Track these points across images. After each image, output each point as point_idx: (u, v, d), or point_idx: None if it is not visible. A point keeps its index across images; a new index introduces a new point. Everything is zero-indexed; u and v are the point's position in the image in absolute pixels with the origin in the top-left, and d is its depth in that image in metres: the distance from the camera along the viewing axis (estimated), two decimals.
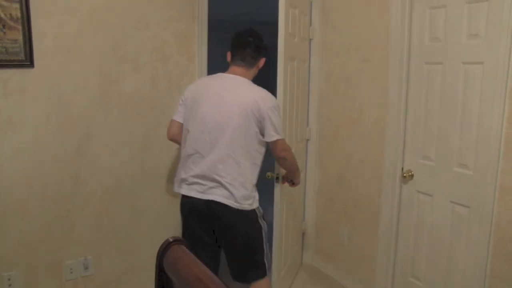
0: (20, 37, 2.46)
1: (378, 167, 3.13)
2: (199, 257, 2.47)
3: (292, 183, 2.85)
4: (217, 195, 2.35)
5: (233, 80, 2.43)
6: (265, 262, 2.50)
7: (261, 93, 2.39)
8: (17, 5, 2.42)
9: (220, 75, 2.48)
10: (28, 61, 2.50)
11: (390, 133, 3.02)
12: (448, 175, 2.74)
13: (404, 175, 2.98)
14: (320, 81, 3.58)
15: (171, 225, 3.04)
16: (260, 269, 2.50)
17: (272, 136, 2.38)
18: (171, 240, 1.56)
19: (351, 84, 3.27)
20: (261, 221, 2.48)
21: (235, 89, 2.39)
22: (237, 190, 2.34)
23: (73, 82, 2.64)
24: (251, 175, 2.39)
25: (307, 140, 3.69)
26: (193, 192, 2.40)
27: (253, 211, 2.42)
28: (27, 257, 2.64)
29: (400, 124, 2.98)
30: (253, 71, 2.49)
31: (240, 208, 2.37)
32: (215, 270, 2.63)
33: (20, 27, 2.45)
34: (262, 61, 2.50)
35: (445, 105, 2.73)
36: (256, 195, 2.44)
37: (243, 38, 2.47)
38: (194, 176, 2.38)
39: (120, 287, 2.96)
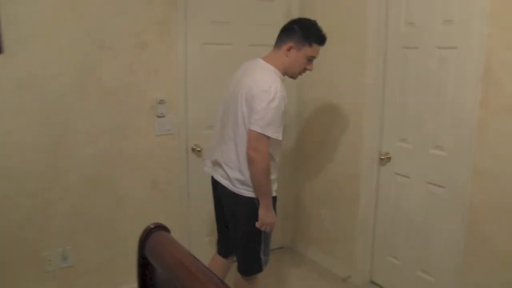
0: None
1: (357, 150, 3.17)
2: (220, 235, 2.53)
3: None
4: (218, 175, 2.43)
5: (253, 64, 2.38)
6: (261, 257, 2.40)
7: (262, 76, 2.25)
8: None
9: (252, 61, 2.43)
10: None
11: (368, 117, 3.07)
12: (424, 157, 2.80)
13: (382, 157, 3.04)
14: None
15: (153, 213, 3.04)
16: (251, 267, 2.44)
17: (250, 123, 2.19)
18: (152, 226, 1.58)
19: (330, 70, 3.29)
20: None
21: (250, 73, 2.32)
22: (232, 172, 2.33)
23: (48, 70, 2.59)
24: None
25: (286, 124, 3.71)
26: (209, 169, 2.53)
27: (253, 200, 2.32)
28: (4, 249, 2.60)
29: (378, 108, 3.03)
30: (280, 55, 2.33)
31: (236, 192, 2.33)
32: (225, 253, 2.65)
33: None
34: (289, 46, 2.31)
35: (421, 89, 2.78)
36: None
37: (286, 24, 2.41)
38: (211, 156, 2.50)
39: (101, 277, 2.95)
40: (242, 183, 2.32)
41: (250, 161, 2.22)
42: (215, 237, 3.41)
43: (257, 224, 2.31)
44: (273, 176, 2.35)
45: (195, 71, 3.12)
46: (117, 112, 2.84)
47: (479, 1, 2.36)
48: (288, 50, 2.32)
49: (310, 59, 2.36)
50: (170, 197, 3.13)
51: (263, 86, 2.19)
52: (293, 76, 2.42)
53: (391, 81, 2.97)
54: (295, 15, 3.48)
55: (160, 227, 1.58)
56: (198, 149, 3.19)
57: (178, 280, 1.31)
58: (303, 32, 2.31)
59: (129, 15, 2.79)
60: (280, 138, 2.21)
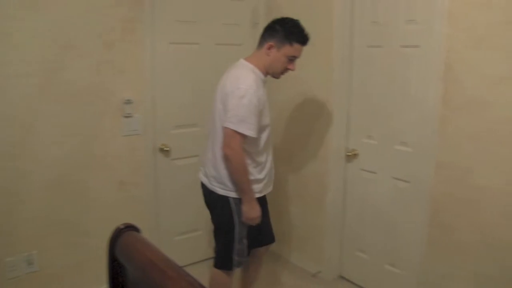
0: None
1: (324, 147, 3.22)
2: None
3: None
4: (201, 173, 2.51)
5: (235, 64, 2.40)
6: (234, 257, 2.40)
7: (237, 74, 2.27)
8: None
9: (236, 61, 2.43)
10: None
11: (335, 114, 3.12)
12: (390, 153, 2.87)
13: (349, 154, 3.10)
14: None
15: (121, 214, 3.00)
16: (222, 261, 2.44)
17: (224, 121, 2.21)
18: (122, 227, 1.57)
19: (297, 67, 3.31)
20: (237, 217, 2.36)
21: (228, 73, 2.35)
22: (209, 169, 2.38)
23: (11, 70, 2.52)
24: None
25: None
26: (200, 172, 2.58)
27: (226, 198, 2.35)
28: None
29: (344, 105, 3.09)
30: (262, 54, 2.34)
31: (212, 189, 2.38)
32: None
33: None
34: (269, 45, 2.32)
35: (386, 86, 2.85)
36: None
37: (269, 23, 2.41)
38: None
39: (70, 282, 2.88)
40: (217, 180, 2.35)
41: (225, 159, 2.24)
42: (185, 236, 3.43)
43: (243, 219, 2.34)
44: (259, 176, 2.36)
45: (162, 71, 3.10)
46: (84, 113, 2.80)
47: (440, 3, 2.44)
48: (269, 49, 2.32)
49: (291, 59, 2.35)
50: (138, 197, 3.10)
51: (236, 83, 2.21)
52: (275, 76, 2.41)
53: (357, 79, 3.03)
54: (262, 14, 3.51)
55: (130, 227, 1.57)
56: (166, 149, 3.17)
57: (150, 279, 1.31)
58: (284, 32, 2.31)
59: (94, 14, 2.75)
60: (253, 135, 2.20)
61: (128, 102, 2.92)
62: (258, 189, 2.38)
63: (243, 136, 2.18)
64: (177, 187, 3.31)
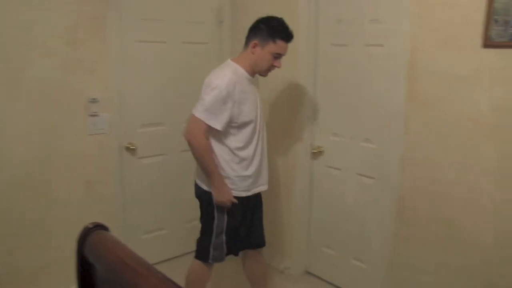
0: None
1: (291, 145, 3.25)
2: None
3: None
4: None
5: (222, 63, 2.46)
6: (210, 250, 2.46)
7: (217, 72, 2.36)
8: None
9: None
10: None
11: (301, 112, 3.15)
12: (355, 150, 2.93)
13: (314, 151, 3.14)
14: None
15: (88, 213, 2.95)
16: (200, 251, 2.50)
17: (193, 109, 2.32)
18: (91, 226, 1.54)
19: None
20: (216, 212, 2.43)
21: (213, 71, 2.41)
22: (196, 165, 2.45)
23: None
24: None
25: None
26: None
27: (204, 191, 2.43)
28: None
29: (310, 103, 3.13)
30: (247, 53, 2.39)
31: (198, 184, 2.49)
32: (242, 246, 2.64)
33: None
34: (253, 44, 2.37)
35: (351, 85, 2.90)
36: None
37: (253, 23, 2.44)
38: None
39: (36, 285, 2.82)
40: (199, 176, 2.46)
41: (188, 144, 2.32)
42: (152, 234, 3.41)
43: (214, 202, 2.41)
44: (244, 173, 2.41)
45: (129, 69, 3.07)
46: (49, 112, 2.74)
47: (403, 3, 2.51)
48: (254, 47, 2.37)
49: (276, 56, 2.38)
50: (104, 197, 3.06)
51: (211, 78, 2.30)
52: (261, 74, 2.44)
53: (323, 77, 3.07)
54: (227, 12, 3.52)
55: (99, 226, 1.55)
56: (132, 147, 3.15)
57: (121, 277, 1.30)
58: (268, 29, 2.35)
59: (59, 11, 2.70)
60: (216, 126, 2.26)
61: (94, 101, 2.88)
62: (244, 187, 2.43)
63: (206, 125, 2.25)
64: (143, 185, 3.29)
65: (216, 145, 2.37)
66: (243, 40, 3.46)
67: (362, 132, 2.88)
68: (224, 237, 2.46)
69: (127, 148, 3.14)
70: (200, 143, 2.28)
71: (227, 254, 2.53)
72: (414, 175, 2.61)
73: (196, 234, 3.52)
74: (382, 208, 2.80)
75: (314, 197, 3.26)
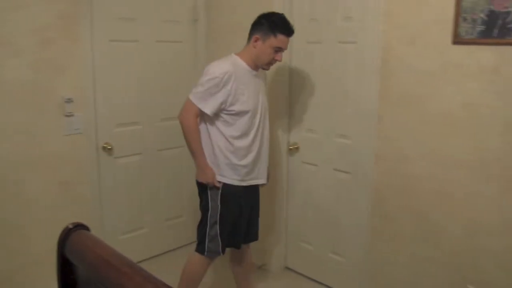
0: None
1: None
2: None
3: None
4: None
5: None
6: (206, 241, 2.51)
7: (216, 61, 2.46)
8: None
9: None
10: None
11: (277, 109, 3.18)
12: (330, 146, 2.98)
13: (291, 148, 3.18)
14: (207, 61, 3.60)
15: (64, 215, 2.91)
16: (198, 243, 2.55)
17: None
18: (71, 226, 1.54)
19: None
20: (210, 201, 2.50)
21: None
22: None
23: None
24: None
25: None
26: None
27: (205, 185, 2.50)
28: None
29: (285, 100, 3.16)
30: (250, 48, 2.47)
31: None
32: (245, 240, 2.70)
33: None
34: (255, 38, 2.43)
35: (325, 81, 2.95)
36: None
37: (256, 18, 2.50)
38: None
39: None
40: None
41: (180, 123, 2.45)
42: (130, 234, 3.39)
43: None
44: (238, 162, 2.46)
45: (103, 69, 3.05)
46: (22, 112, 2.70)
47: (375, 0, 2.57)
48: (255, 41, 2.44)
49: (277, 50, 2.44)
50: (81, 197, 3.03)
51: (210, 66, 2.43)
52: (263, 67, 2.52)
53: (298, 74, 3.11)
54: (201, 10, 3.52)
55: (80, 226, 1.55)
56: (109, 147, 3.13)
57: (104, 277, 1.30)
58: (269, 24, 2.41)
59: (29, 10, 2.65)
60: (206, 110, 2.37)
61: (69, 100, 2.85)
62: (237, 176, 2.49)
63: (198, 108, 2.38)
64: (120, 185, 3.27)
65: (213, 133, 2.46)
66: (218, 38, 3.50)
67: (337, 128, 2.93)
68: (218, 228, 2.49)
69: (104, 148, 3.12)
70: (188, 123, 2.41)
71: (226, 247, 2.57)
72: (387, 169, 2.67)
73: (175, 232, 3.54)
74: (357, 202, 2.85)
75: (292, 193, 3.30)
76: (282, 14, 2.50)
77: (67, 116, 2.86)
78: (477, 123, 2.30)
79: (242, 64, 2.45)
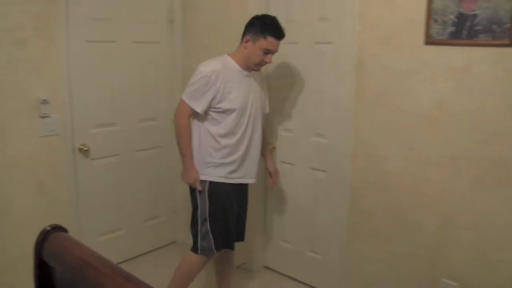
0: None
1: None
2: None
3: None
4: None
5: None
6: (198, 239, 2.54)
7: (207, 60, 2.50)
8: None
9: None
10: None
11: None
12: (307, 145, 3.02)
13: None
14: (183, 62, 3.61)
15: (41, 217, 2.87)
16: (193, 242, 2.58)
17: None
18: (49, 228, 1.54)
19: None
20: (199, 198, 2.53)
21: None
22: None
23: None
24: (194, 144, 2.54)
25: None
26: None
27: None
28: None
29: None
30: (241, 48, 2.51)
31: None
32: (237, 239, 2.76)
33: None
34: (246, 39, 2.48)
35: (302, 81, 2.98)
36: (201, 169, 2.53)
37: (249, 20, 2.53)
38: None
39: None
40: None
41: (174, 123, 2.52)
42: (108, 236, 3.37)
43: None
44: (220, 160, 2.50)
45: (79, 70, 3.01)
46: None
47: (349, 2, 2.61)
48: (246, 42, 2.49)
49: (267, 52, 2.47)
50: (58, 199, 3.00)
51: (200, 64, 2.47)
52: (253, 68, 2.54)
53: (274, 74, 3.13)
54: (178, 11, 3.52)
55: (58, 228, 1.54)
56: (85, 148, 3.10)
57: (84, 278, 1.30)
58: (260, 26, 2.45)
59: (2, 9, 2.61)
60: (197, 109, 2.43)
61: (45, 102, 2.81)
62: (222, 174, 2.52)
63: (190, 108, 2.44)
64: (97, 187, 3.25)
65: (200, 130, 2.51)
66: (195, 39, 3.50)
67: (314, 127, 2.96)
68: (208, 225, 2.51)
69: (80, 150, 3.09)
70: (180, 123, 2.48)
71: (221, 247, 2.58)
72: (363, 168, 2.72)
73: (153, 233, 3.53)
74: (334, 200, 2.90)
75: (269, 192, 3.33)
76: (274, 17, 2.53)
77: (42, 117, 2.83)
78: (449, 121, 2.36)
79: (232, 64, 2.50)
